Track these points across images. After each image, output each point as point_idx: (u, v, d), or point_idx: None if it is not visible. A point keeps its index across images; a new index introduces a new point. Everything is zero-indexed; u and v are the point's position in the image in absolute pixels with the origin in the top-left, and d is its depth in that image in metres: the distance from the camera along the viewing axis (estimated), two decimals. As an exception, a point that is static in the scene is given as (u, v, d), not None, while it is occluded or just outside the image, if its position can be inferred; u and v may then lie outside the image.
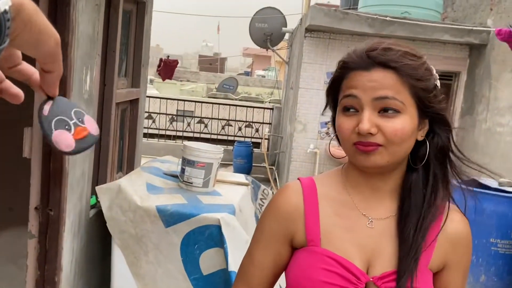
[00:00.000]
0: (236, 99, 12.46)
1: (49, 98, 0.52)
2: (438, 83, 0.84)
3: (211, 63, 31.31)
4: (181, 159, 2.41)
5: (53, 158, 1.90)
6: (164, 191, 2.25)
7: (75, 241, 2.16)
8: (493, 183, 3.66)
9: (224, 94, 13.44)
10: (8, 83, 0.49)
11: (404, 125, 0.78)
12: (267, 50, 8.26)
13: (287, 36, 8.06)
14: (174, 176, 2.46)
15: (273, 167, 7.81)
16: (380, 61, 0.78)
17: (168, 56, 5.34)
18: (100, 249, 2.47)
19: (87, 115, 0.54)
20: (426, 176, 0.84)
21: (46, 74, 0.48)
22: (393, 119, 0.78)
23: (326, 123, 5.89)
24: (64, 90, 1.86)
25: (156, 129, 8.91)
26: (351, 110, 0.81)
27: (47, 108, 0.51)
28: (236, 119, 9.27)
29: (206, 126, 9.27)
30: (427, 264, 0.83)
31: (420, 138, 0.83)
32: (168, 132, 9.08)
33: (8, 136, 2.05)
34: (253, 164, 8.07)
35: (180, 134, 9.05)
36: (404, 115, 0.78)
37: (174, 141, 8.75)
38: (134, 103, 3.12)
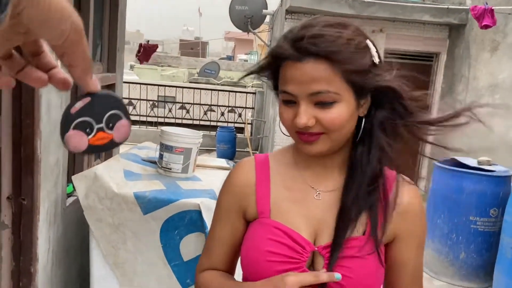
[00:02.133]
0: (218, 84, 12.34)
1: (88, 94, 0.48)
2: (376, 58, 0.81)
3: (193, 48, 30.90)
4: (159, 145, 2.36)
5: (23, 146, 1.84)
6: (142, 178, 2.21)
7: (51, 231, 2.10)
8: (472, 162, 3.71)
9: (205, 79, 13.31)
10: (57, 69, 0.47)
11: (341, 113, 0.79)
12: (248, 33, 8.16)
13: (268, 18, 7.96)
14: (152, 162, 2.41)
15: (256, 151, 7.80)
16: (310, 51, 0.76)
17: (148, 41, 5.22)
18: (78, 238, 2.42)
19: (125, 120, 0.50)
20: (369, 149, 0.84)
21: (70, 69, 0.44)
22: (330, 109, 0.78)
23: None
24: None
25: (137, 115, 8.79)
26: (290, 102, 0.82)
27: (78, 105, 0.48)
28: (219, 104, 9.20)
29: (188, 111, 9.17)
30: None
31: (361, 114, 0.83)
32: (149, 119, 8.97)
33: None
34: (236, 149, 8.05)
35: (161, 120, 8.95)
36: (340, 103, 0.79)
37: (156, 128, 8.65)
38: (110, 88, 3.04)
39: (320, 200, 0.87)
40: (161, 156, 2.31)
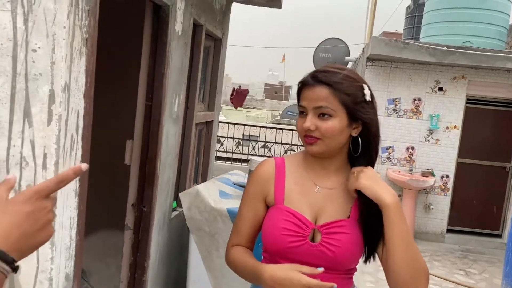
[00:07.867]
0: (299, 126, 12.80)
1: None
2: (367, 97, 1.17)
3: (276, 92, 32.06)
4: (247, 172, 2.80)
5: (148, 165, 2.37)
6: (233, 197, 2.64)
7: (160, 235, 2.59)
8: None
9: (287, 120, 13.88)
10: None
11: (334, 125, 1.15)
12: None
13: (350, 65, 8.35)
14: (241, 186, 2.85)
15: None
16: (320, 79, 1.16)
17: (240, 86, 5.87)
18: (177, 246, 2.89)
19: None
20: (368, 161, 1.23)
21: None
22: (327, 121, 1.15)
23: (387, 148, 6.05)
24: (159, 112, 2.34)
25: (224, 151, 9.49)
26: (303, 113, 1.21)
27: None
28: (299, 144, 9.62)
29: (269, 150, 9.70)
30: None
31: (354, 134, 1.20)
32: (234, 155, 9.62)
33: (112, 147, 2.54)
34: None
35: (245, 157, 9.55)
36: (334, 118, 1.16)
37: (240, 164, 9.25)
38: (209, 124, 3.59)
39: (320, 193, 1.21)
40: (249, 181, 2.74)
